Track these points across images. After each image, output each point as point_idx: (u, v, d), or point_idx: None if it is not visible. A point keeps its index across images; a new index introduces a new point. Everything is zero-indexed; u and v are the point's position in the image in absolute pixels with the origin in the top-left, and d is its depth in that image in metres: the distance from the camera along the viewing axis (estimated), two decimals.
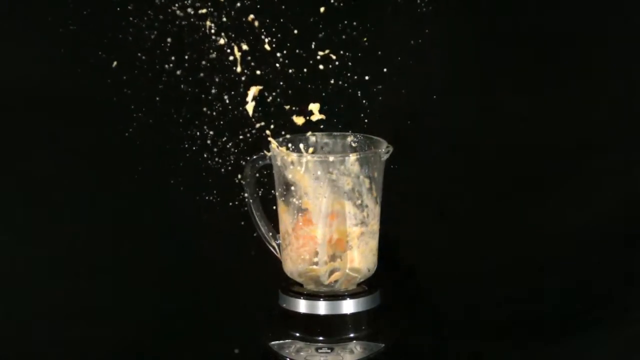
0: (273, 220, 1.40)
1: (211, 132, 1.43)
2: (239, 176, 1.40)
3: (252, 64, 1.38)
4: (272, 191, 1.37)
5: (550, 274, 1.47)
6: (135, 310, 1.49)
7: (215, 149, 1.44)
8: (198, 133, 1.43)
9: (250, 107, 1.36)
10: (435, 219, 1.48)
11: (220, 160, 1.44)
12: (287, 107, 1.41)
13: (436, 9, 1.40)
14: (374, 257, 1.36)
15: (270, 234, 1.39)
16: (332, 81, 1.42)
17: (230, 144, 1.43)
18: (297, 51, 1.40)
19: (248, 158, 1.37)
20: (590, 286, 1.48)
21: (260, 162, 1.36)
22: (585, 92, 1.43)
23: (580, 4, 1.41)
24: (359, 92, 1.43)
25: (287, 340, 1.32)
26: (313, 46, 1.40)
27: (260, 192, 1.39)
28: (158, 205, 1.47)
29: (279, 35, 1.39)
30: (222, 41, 1.37)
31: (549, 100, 1.44)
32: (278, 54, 1.40)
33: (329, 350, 1.30)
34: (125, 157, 1.45)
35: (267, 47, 1.38)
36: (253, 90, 1.37)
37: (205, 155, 1.44)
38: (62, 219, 1.46)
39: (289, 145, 1.36)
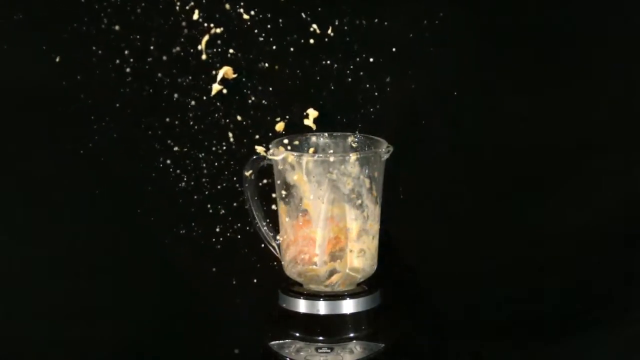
0: (273, 220, 1.40)
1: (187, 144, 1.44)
2: (240, 167, 1.40)
3: (235, 52, 1.38)
4: (273, 186, 1.37)
5: (550, 274, 1.47)
6: (135, 310, 1.49)
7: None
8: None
9: (215, 88, 1.33)
10: (435, 219, 1.48)
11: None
12: (277, 116, 1.42)
13: (436, 9, 1.40)
14: (374, 258, 1.36)
15: (271, 234, 1.39)
16: (330, 85, 1.43)
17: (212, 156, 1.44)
18: (286, 34, 1.40)
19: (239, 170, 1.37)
20: (590, 286, 1.48)
21: (261, 162, 1.35)
22: (585, 92, 1.43)
23: (580, 4, 1.41)
24: (358, 93, 1.44)
25: (287, 340, 1.32)
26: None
27: (260, 191, 1.39)
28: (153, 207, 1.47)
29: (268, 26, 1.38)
30: (195, 16, 1.34)
31: (549, 100, 1.44)
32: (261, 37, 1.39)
33: (329, 350, 1.30)
34: (124, 157, 1.45)
35: (245, 16, 1.35)
36: (224, 70, 1.33)
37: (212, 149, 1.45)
38: (62, 219, 1.46)
39: (289, 145, 1.36)
